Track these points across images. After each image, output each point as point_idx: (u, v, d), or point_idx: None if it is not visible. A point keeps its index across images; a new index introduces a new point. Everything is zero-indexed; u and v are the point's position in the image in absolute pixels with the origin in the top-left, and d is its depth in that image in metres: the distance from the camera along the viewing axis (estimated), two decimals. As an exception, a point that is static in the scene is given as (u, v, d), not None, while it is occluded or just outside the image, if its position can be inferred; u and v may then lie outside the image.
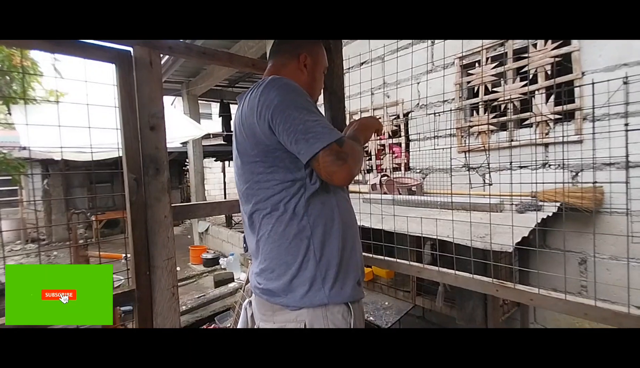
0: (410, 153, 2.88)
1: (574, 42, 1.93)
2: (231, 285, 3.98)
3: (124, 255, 1.10)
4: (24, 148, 3.61)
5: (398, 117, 2.96)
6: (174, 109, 8.80)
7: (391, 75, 2.44)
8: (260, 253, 0.87)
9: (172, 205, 1.12)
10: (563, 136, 1.87)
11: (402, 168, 2.94)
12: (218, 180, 10.46)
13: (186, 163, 7.65)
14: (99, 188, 8.90)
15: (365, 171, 3.22)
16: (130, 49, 1.04)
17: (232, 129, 0.93)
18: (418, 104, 2.77)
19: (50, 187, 8.15)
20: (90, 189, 8.41)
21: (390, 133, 3.03)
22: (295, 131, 0.74)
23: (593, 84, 1.03)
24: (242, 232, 1.02)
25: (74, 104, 1.24)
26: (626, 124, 1.11)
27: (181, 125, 5.20)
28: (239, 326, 1.06)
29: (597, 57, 1.86)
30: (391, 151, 3.04)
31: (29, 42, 0.93)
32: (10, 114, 4.00)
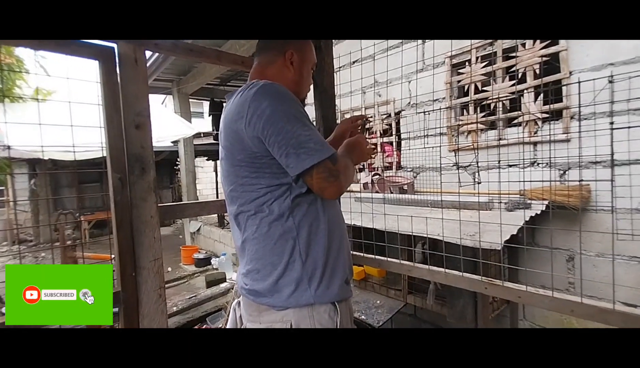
0: (402, 152, 2.89)
1: (562, 42, 1.95)
2: (223, 285, 3.95)
3: (112, 256, 1.08)
4: (8, 147, 3.55)
5: (389, 115, 2.96)
6: (164, 107, 8.69)
7: (382, 74, 2.44)
8: (247, 254, 0.87)
9: (159, 205, 1.10)
10: (550, 135, 1.90)
11: (394, 167, 2.95)
12: (210, 180, 10.35)
13: (177, 162, 7.58)
14: (88, 188, 8.75)
15: (357, 170, 3.22)
16: (115, 45, 1.01)
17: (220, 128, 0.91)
18: (409, 102, 2.78)
19: (37, 187, 7.99)
20: (78, 189, 8.27)
21: (382, 132, 3.04)
22: (286, 145, 0.74)
23: (579, 83, 1.04)
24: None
25: (58, 102, 1.21)
26: (611, 123, 1.13)
27: (172, 124, 5.14)
28: (228, 327, 1.05)
29: (585, 57, 1.89)
30: (383, 150, 3.05)
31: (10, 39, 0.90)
32: (-6, 112, 3.90)
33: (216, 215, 6.77)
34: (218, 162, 0.98)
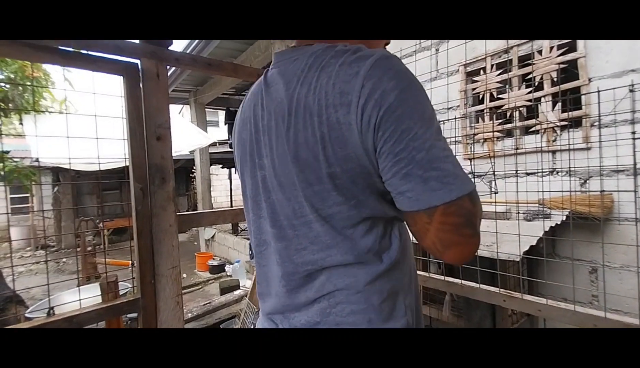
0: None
1: (580, 48, 1.92)
2: (237, 292, 3.98)
3: (131, 262, 1.11)
4: (37, 160, 3.72)
5: (403, 124, 2.95)
6: (181, 117, 8.93)
7: (396, 83, 2.44)
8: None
9: (178, 214, 1.13)
10: (570, 143, 1.85)
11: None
12: (224, 187, 10.53)
13: (193, 170, 7.75)
14: (108, 195, 9.03)
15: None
16: (138, 61, 1.06)
17: (273, 114, 0.53)
18: (423, 111, 2.76)
19: (60, 194, 8.30)
20: (99, 196, 8.54)
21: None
22: (410, 159, 0.44)
23: (599, 91, 1.02)
24: (248, 239, 1.01)
25: (83, 115, 1.27)
26: (633, 132, 1.10)
27: (189, 134, 5.27)
28: None
29: (604, 63, 1.85)
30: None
31: (39, 56, 0.96)
32: (22, 123, 4.10)
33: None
34: (242, 168, 0.64)
